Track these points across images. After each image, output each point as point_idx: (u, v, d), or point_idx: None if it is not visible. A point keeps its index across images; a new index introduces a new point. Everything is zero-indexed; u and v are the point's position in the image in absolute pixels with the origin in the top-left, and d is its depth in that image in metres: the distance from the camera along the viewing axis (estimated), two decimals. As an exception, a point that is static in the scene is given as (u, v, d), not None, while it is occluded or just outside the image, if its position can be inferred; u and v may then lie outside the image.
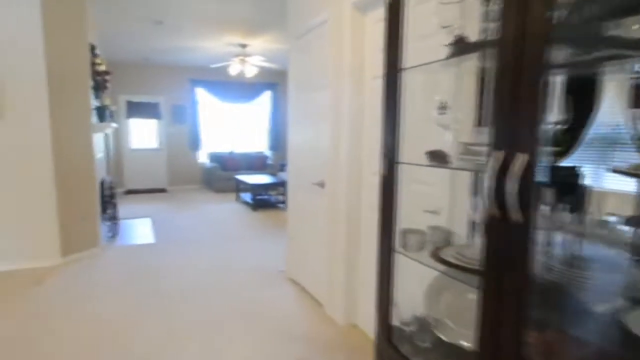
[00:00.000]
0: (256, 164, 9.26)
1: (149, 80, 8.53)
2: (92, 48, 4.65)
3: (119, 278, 3.67)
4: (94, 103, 4.51)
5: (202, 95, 9.09)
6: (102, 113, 4.60)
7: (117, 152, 8.33)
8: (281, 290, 3.49)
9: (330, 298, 2.97)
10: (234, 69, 7.12)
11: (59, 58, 3.85)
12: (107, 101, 5.52)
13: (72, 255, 4.08)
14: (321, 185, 3.04)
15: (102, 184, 4.94)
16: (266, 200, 7.32)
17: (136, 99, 8.44)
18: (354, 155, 2.72)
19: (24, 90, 3.69)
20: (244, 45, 6.84)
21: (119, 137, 8.34)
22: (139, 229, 5.47)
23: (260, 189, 7.44)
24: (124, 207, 6.88)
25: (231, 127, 9.65)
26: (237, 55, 7.04)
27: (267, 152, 9.90)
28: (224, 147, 9.50)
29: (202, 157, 9.27)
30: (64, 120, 3.94)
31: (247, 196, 7.50)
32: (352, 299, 2.83)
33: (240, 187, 7.73)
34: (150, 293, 3.36)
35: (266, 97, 9.81)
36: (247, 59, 7.04)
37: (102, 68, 4.71)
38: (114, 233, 5.03)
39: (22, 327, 2.74)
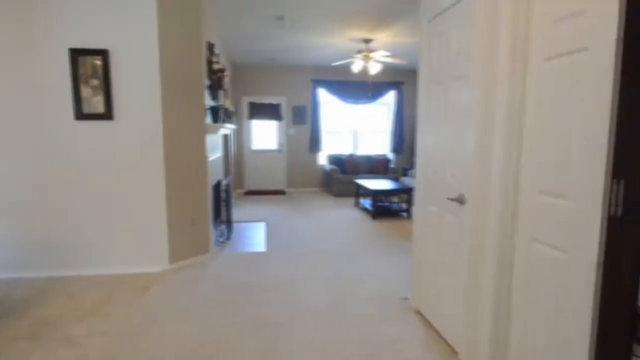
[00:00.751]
0: (377, 167, 8.50)
1: (271, 81, 8.49)
2: (210, 46, 4.48)
3: (224, 292, 3.29)
4: (209, 103, 4.32)
5: (323, 95, 8.72)
6: (216, 113, 4.39)
7: (239, 153, 8.47)
8: (405, 327, 2.70)
9: (470, 348, 2.19)
10: (356, 66, 6.49)
11: (173, 56, 3.68)
12: (225, 102, 5.40)
13: (180, 261, 3.90)
14: (460, 201, 2.28)
15: (217, 185, 4.76)
16: (387, 208, 6.50)
17: (258, 100, 8.48)
18: (510, 167, 1.93)
19: (137, 90, 3.60)
20: (368, 40, 6.16)
21: (241, 138, 8.48)
22: (252, 234, 5.19)
23: (381, 195, 6.66)
24: (241, 208, 6.83)
25: (352, 129, 9.09)
26: (360, 52, 6.40)
27: (390, 155, 9.06)
28: (344, 149, 8.99)
29: (322, 160, 8.91)
30: (177, 120, 3.76)
31: (366, 202, 6.79)
32: (502, 355, 1.97)
33: (360, 192, 7.06)
34: (254, 314, 2.89)
35: (390, 97, 8.98)
36: (371, 54, 6.34)
37: (219, 67, 4.53)
38: (226, 237, 4.82)
39: (113, 344, 2.47)
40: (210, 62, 4.38)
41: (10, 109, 3.45)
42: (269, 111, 8.51)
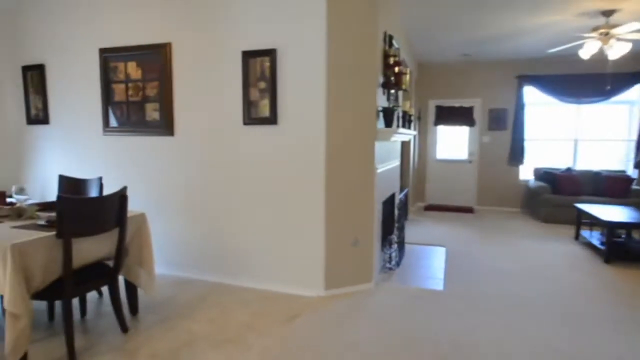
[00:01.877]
0: (611, 188, 6.25)
1: (464, 81, 7.30)
2: (388, 38, 3.83)
3: (380, 344, 2.55)
4: (382, 103, 3.65)
5: (530, 94, 7.01)
6: (390, 116, 3.69)
7: (421, 163, 7.57)
8: None
9: None
10: (588, 49, 4.78)
11: (342, 46, 3.17)
12: (404, 104, 4.66)
13: (337, 288, 3.34)
14: None
15: (389, 200, 4.07)
16: (630, 248, 4.52)
17: (447, 103, 7.40)
18: None
19: (301, 90, 3.22)
20: (608, 12, 4.43)
21: (424, 145, 7.56)
22: (428, 262, 4.27)
23: (621, 229, 4.70)
24: (418, 225, 5.93)
25: (571, 136, 7.02)
26: (595, 29, 4.67)
27: (631, 173, 6.59)
28: (558, 161, 7.01)
29: (525, 174, 7.17)
30: (342, 123, 3.23)
31: (594, 236, 4.93)
32: None
33: (584, 220, 5.20)
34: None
35: (634, 92, 6.54)
36: (613, 31, 4.54)
37: (396, 59, 3.82)
38: (395, 263, 4.06)
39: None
40: (386, 55, 3.72)
41: (195, 115, 3.57)
42: (459, 115, 7.34)
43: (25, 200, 2.93)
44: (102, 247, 2.54)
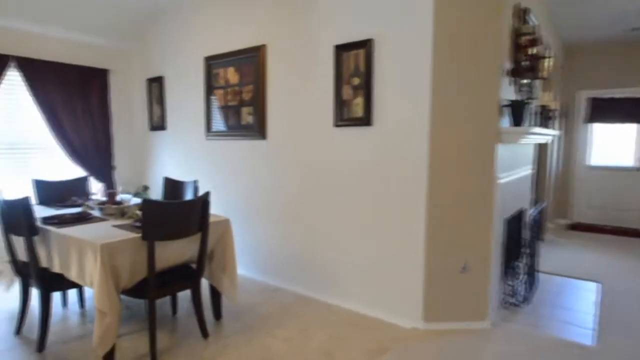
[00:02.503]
0: None
1: (630, 64, 5.67)
2: (522, 12, 3.04)
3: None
4: (509, 96, 2.89)
5: None
6: (519, 112, 2.88)
7: (565, 170, 6.15)
8: None
9: None
10: None
11: (454, 28, 2.55)
12: (543, 97, 3.72)
13: (439, 322, 2.72)
14: None
15: (516, 217, 3.24)
16: None
17: (606, 94, 5.85)
18: None
19: (398, 83, 2.70)
20: None
21: (570, 148, 6.11)
22: (572, 302, 3.29)
23: None
24: (559, 250, 4.75)
25: None
26: None
27: None
28: None
29: None
30: (450, 124, 2.61)
31: None
32: None
33: None
34: None
35: None
36: None
37: (532, 37, 2.99)
38: (522, 298, 3.20)
39: None
40: (518, 34, 2.94)
41: (286, 117, 3.35)
42: (623, 110, 5.74)
43: (130, 199, 3.07)
44: (186, 251, 2.48)
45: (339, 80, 2.98)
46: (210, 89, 3.89)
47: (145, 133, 4.80)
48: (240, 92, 3.64)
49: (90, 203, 2.90)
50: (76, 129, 4.26)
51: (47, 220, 2.52)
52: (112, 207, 2.74)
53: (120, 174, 4.77)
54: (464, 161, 2.65)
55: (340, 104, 2.99)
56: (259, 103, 3.48)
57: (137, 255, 2.22)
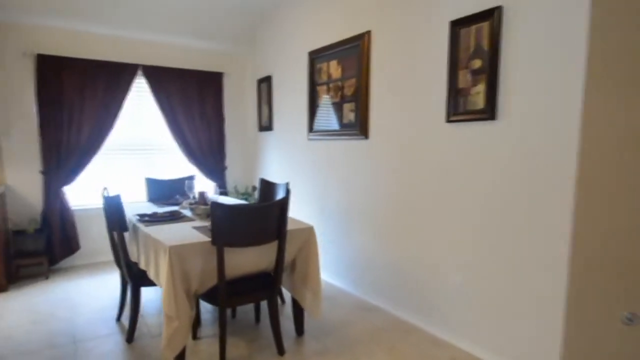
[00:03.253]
0: None
1: None
2: None
3: None
4: None
5: None
6: None
7: None
8: None
9: None
10: None
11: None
12: None
13: (590, 395, 1.95)
14: None
15: None
16: None
17: None
18: None
19: (537, 62, 2.02)
20: None
21: None
22: None
23: None
24: None
25: None
26: None
27: None
28: None
29: None
30: (617, 120, 1.85)
31: None
32: None
33: None
34: None
35: None
36: None
37: None
38: None
39: None
40: None
41: (390, 113, 2.91)
42: None
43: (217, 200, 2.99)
44: (262, 259, 2.26)
45: (454, 64, 2.42)
46: (313, 85, 3.67)
47: (255, 134, 4.85)
48: (342, 87, 3.32)
49: (184, 202, 2.90)
50: (192, 130, 4.48)
51: (142, 217, 2.55)
52: (201, 207, 2.67)
53: (231, 174, 4.91)
54: (636, 170, 1.85)
55: (455, 94, 2.42)
56: (361, 98, 3.11)
57: (208, 260, 2.06)
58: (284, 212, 2.19)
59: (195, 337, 2.50)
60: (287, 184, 3.05)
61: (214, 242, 2.01)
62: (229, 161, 4.87)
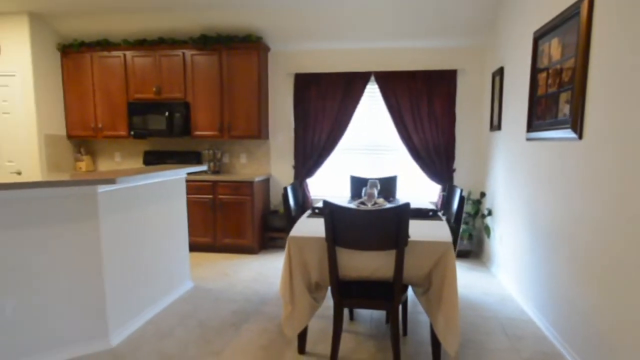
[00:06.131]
0: None
1: None
2: None
3: None
4: None
5: None
6: None
7: None
8: None
9: None
10: None
11: None
12: None
13: None
14: None
15: None
16: None
17: None
18: None
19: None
20: None
21: None
22: None
23: None
24: None
25: None
26: None
27: None
28: None
29: None
30: None
31: None
32: None
33: None
34: None
35: None
36: None
37: None
38: None
39: None
40: None
41: (620, 103, 1.98)
42: None
43: (382, 202, 2.93)
44: (380, 266, 2.14)
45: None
46: (534, 73, 2.94)
47: (486, 133, 4.32)
48: (560, 71, 2.51)
49: (358, 201, 3.01)
50: (419, 131, 4.48)
51: (313, 209, 2.88)
52: (380, 201, 2.74)
53: (460, 177, 4.59)
54: None
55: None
56: (577, 83, 2.26)
57: (324, 255, 2.14)
58: (402, 221, 1.97)
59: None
60: (461, 190, 2.65)
61: (326, 239, 2.08)
62: (457, 164, 4.57)
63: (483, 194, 4.38)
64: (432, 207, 3.01)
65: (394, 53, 4.53)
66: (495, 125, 3.96)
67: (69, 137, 4.91)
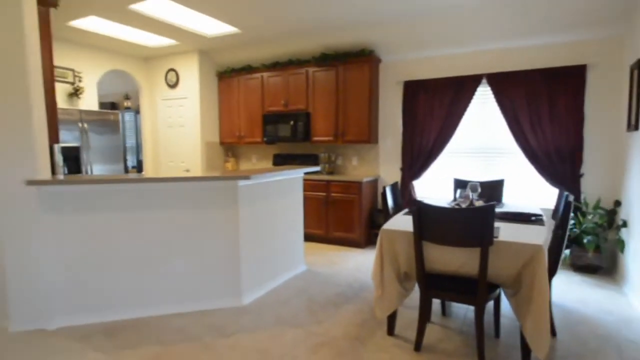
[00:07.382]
0: None
1: None
2: None
3: None
4: None
5: None
6: None
7: None
8: None
9: None
10: None
11: None
12: None
13: None
14: None
15: None
16: None
17: None
18: None
19: None
20: None
21: None
22: None
23: None
24: None
25: None
26: None
27: None
28: None
29: None
30: None
31: None
32: None
33: None
34: None
35: None
36: None
37: None
38: None
39: None
40: None
41: None
42: None
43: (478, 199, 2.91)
44: (466, 262, 2.23)
45: None
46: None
47: (622, 135, 3.82)
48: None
49: (453, 202, 3.04)
50: (537, 133, 4.20)
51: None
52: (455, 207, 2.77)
53: (588, 183, 4.14)
54: None
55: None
56: None
57: (412, 248, 2.33)
58: (486, 220, 2.02)
59: (429, 320, 2.77)
60: (567, 195, 2.50)
61: (414, 233, 2.26)
62: (586, 168, 4.12)
63: (618, 203, 3.88)
64: (539, 212, 2.87)
65: (508, 53, 4.33)
66: (634, 124, 3.49)
67: (221, 143, 6.14)
